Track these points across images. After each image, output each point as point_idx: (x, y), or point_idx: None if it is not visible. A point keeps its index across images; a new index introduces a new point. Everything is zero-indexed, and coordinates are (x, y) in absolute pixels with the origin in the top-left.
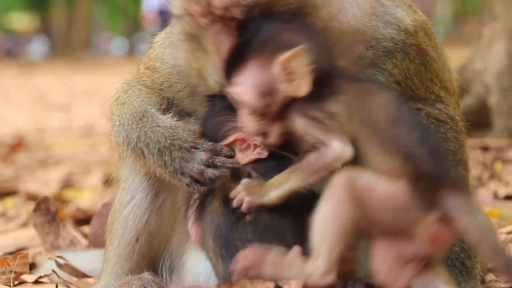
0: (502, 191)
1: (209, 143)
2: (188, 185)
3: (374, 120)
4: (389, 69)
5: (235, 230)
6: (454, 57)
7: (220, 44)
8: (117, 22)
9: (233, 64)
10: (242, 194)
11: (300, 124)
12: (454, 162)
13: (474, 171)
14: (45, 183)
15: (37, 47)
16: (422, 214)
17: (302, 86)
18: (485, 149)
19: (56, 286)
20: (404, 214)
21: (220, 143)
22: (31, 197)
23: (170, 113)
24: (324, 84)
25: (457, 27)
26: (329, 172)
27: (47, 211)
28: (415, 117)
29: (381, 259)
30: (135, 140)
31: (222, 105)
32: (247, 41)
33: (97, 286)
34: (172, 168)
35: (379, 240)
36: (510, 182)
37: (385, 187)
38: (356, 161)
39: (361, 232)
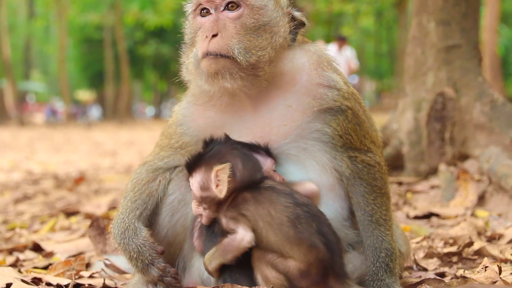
0: (412, 213)
1: (162, 264)
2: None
3: (278, 223)
4: (334, 126)
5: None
6: (378, 120)
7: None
8: (149, 95)
9: (193, 165)
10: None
11: (223, 220)
12: (380, 195)
13: (393, 199)
14: (98, 206)
15: (95, 112)
16: (310, 286)
17: (223, 191)
18: (400, 183)
19: (104, 280)
20: (295, 281)
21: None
22: (88, 216)
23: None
24: (241, 193)
25: (378, 100)
26: (240, 251)
27: (98, 227)
28: (310, 210)
29: None
30: (119, 240)
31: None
32: (204, 153)
33: (132, 280)
34: (138, 269)
35: None
36: (417, 207)
37: (282, 264)
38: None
39: None
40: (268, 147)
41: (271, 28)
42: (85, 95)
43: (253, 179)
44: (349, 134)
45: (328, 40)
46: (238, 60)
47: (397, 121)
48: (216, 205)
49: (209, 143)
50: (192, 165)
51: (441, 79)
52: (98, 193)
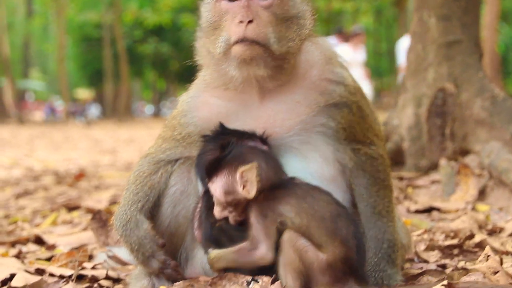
0: (413, 207)
1: (162, 257)
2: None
3: (321, 216)
4: (338, 119)
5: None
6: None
7: None
8: (148, 93)
9: (213, 169)
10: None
11: (253, 217)
12: (383, 187)
13: (394, 193)
14: (99, 201)
15: (94, 110)
16: (331, 282)
17: (251, 191)
18: (400, 178)
19: (107, 271)
20: (318, 274)
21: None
22: (89, 210)
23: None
24: (277, 190)
25: (378, 98)
26: (255, 266)
27: (100, 219)
28: (348, 214)
29: None
30: (121, 232)
31: (212, 146)
32: (224, 156)
33: (135, 272)
34: (139, 261)
35: None
36: (418, 201)
37: (313, 253)
38: None
39: None
40: (263, 136)
41: (298, 20)
42: (84, 93)
43: (279, 177)
44: (353, 127)
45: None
46: (273, 49)
47: (398, 117)
48: (243, 207)
49: (225, 146)
50: (211, 171)
51: (441, 75)
52: (98, 188)
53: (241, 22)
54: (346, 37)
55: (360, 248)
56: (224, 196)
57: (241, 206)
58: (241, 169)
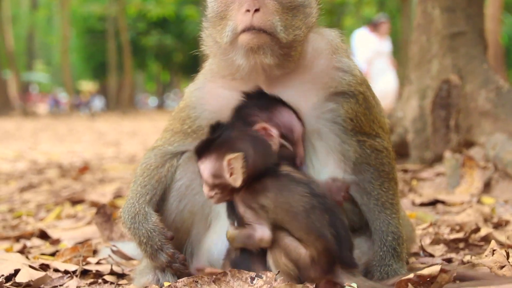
0: (418, 200)
1: (171, 250)
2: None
3: (294, 211)
4: (345, 109)
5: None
6: None
7: None
8: (152, 86)
9: (203, 150)
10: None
11: (240, 207)
12: (388, 180)
13: (399, 186)
14: (103, 194)
15: (97, 103)
16: (318, 275)
17: (237, 180)
18: (405, 171)
19: (111, 266)
20: (305, 269)
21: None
22: (93, 204)
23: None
24: (259, 180)
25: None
26: (259, 247)
27: (105, 214)
28: (325, 202)
29: None
30: (129, 225)
31: (252, 102)
32: (214, 138)
33: (139, 266)
34: (147, 254)
35: None
36: (423, 194)
37: (295, 250)
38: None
39: None
40: (298, 112)
41: (304, 9)
42: (88, 85)
43: (266, 165)
44: (359, 117)
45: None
46: (279, 37)
47: (402, 109)
48: (230, 191)
49: (216, 128)
50: (201, 151)
51: (446, 66)
52: (102, 182)
53: (247, 11)
54: (374, 26)
55: (340, 234)
56: (212, 179)
57: (228, 190)
58: (228, 157)
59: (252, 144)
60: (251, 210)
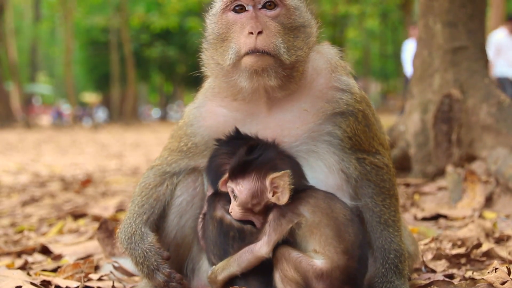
0: (420, 215)
1: (167, 270)
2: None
3: (335, 216)
4: (344, 128)
5: (223, 241)
6: (384, 122)
7: None
8: (155, 97)
9: (240, 171)
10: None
11: (271, 216)
12: (389, 196)
13: (401, 200)
14: (105, 208)
15: (101, 114)
16: None
17: (284, 197)
18: (407, 185)
19: (113, 282)
20: (313, 281)
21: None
22: (96, 218)
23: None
24: (296, 193)
25: (384, 101)
26: (256, 261)
27: (107, 229)
28: (360, 226)
29: None
30: (126, 245)
31: (225, 150)
32: (252, 159)
33: (140, 284)
34: (143, 274)
35: None
36: (425, 208)
37: (306, 262)
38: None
39: None
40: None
41: (305, 29)
42: (91, 97)
43: (302, 182)
44: (358, 135)
45: None
46: (283, 59)
47: (404, 123)
48: (265, 209)
49: (251, 150)
50: (237, 172)
51: (447, 81)
52: (105, 195)
53: (250, 33)
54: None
55: (363, 260)
56: (250, 199)
57: (263, 209)
58: (272, 175)
59: (290, 163)
60: (281, 220)
